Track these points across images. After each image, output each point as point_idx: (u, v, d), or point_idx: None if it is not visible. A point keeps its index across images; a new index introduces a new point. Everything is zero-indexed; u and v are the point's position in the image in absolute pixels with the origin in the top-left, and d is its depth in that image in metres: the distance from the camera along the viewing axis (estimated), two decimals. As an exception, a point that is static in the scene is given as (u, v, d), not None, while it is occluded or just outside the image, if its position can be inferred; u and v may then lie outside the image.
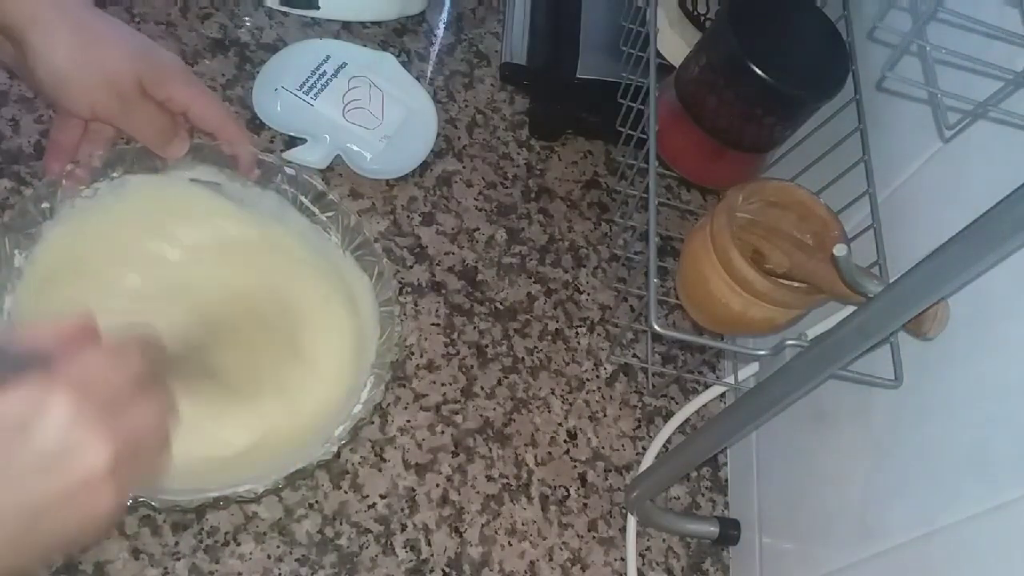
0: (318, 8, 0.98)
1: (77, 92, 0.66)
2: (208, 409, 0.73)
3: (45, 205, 0.71)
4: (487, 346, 0.88)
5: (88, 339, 0.47)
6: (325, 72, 0.93)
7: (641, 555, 0.83)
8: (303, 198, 0.79)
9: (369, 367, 0.74)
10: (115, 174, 0.74)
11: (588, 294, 0.95)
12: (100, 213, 0.74)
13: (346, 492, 0.77)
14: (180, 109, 0.71)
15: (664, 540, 0.85)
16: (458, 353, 0.87)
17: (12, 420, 0.41)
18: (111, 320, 0.73)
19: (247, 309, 0.78)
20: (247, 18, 0.97)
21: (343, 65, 0.95)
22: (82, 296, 0.73)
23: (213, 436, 0.72)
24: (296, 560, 0.73)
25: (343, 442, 0.69)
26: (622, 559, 0.83)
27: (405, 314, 0.86)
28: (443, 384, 0.85)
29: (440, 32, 1.07)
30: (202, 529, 0.72)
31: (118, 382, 0.46)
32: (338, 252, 0.80)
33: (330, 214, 0.79)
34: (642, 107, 0.88)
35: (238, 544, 0.72)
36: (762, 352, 0.71)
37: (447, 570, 0.77)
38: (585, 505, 0.84)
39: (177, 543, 0.71)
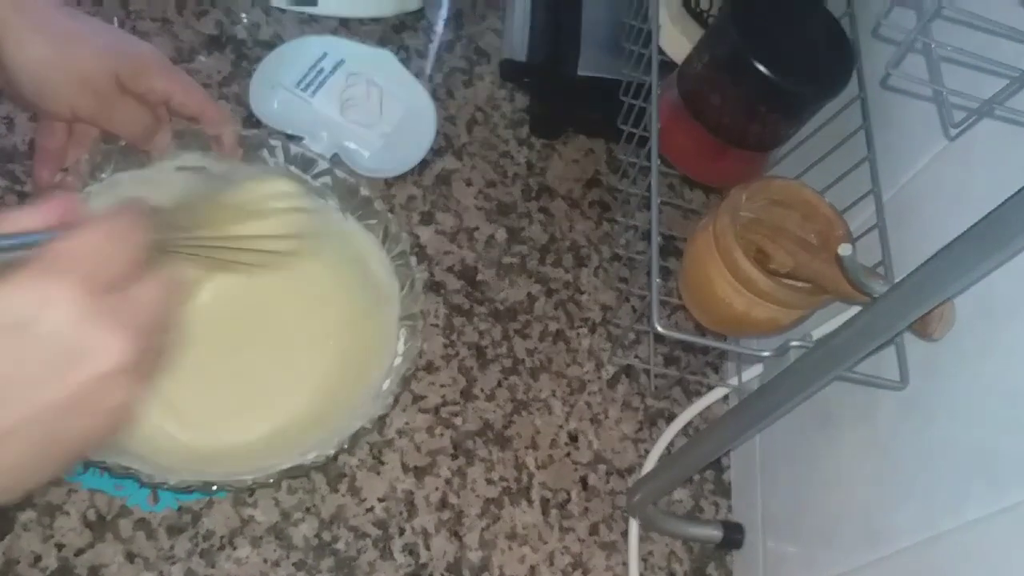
0: (315, 5, 0.98)
1: (55, 95, 0.65)
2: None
3: None
4: (487, 347, 0.88)
5: (75, 217, 0.44)
6: (323, 69, 0.93)
7: (643, 560, 0.83)
8: (293, 167, 0.79)
9: (396, 321, 0.75)
10: (104, 175, 0.73)
11: (589, 294, 0.95)
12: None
13: (343, 495, 0.76)
14: (161, 99, 0.70)
15: (667, 544, 0.84)
16: (457, 354, 0.86)
17: (15, 319, 0.39)
18: None
19: (254, 292, 0.78)
20: (244, 15, 0.97)
21: (341, 62, 0.94)
22: None
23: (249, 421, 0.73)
24: (293, 564, 0.73)
25: (396, 394, 0.70)
26: (624, 564, 0.82)
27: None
28: (442, 386, 0.84)
29: (439, 29, 1.06)
30: (197, 532, 0.71)
31: (118, 262, 0.42)
32: (338, 216, 0.79)
33: (324, 179, 0.78)
34: (644, 105, 0.87)
35: (234, 548, 0.72)
36: (766, 353, 0.70)
37: (446, 575, 0.76)
38: (586, 509, 0.83)
39: (172, 547, 0.71)
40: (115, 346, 0.41)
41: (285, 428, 0.73)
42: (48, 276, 0.39)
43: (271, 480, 0.65)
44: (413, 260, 0.76)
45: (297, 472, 0.67)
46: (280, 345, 0.77)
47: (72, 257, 0.41)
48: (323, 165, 0.78)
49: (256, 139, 0.77)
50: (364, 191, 0.78)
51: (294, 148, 0.78)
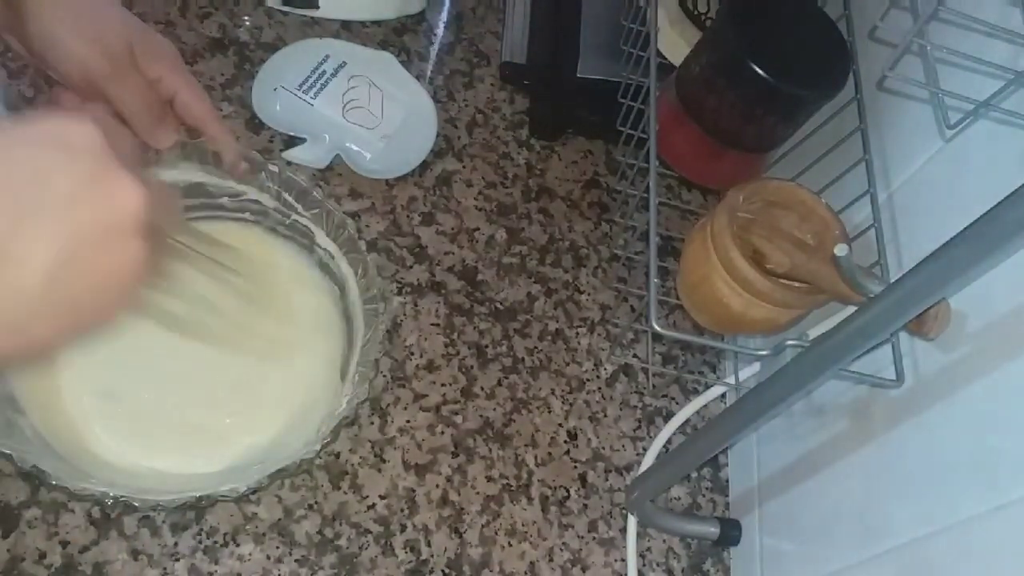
0: (318, 7, 0.98)
1: (68, 50, 0.64)
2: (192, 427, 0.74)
3: None
4: (487, 346, 0.88)
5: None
6: (325, 71, 0.93)
7: (641, 556, 0.83)
8: (287, 195, 0.79)
9: (354, 365, 0.74)
10: None
11: (588, 294, 0.95)
12: None
13: (346, 493, 0.77)
14: (168, 93, 0.70)
15: (665, 541, 0.84)
16: (458, 353, 0.87)
17: (54, 136, 0.38)
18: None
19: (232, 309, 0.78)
20: (246, 17, 0.97)
21: (343, 64, 0.95)
22: None
23: (198, 456, 0.73)
24: (296, 561, 0.73)
25: (326, 441, 0.68)
26: (622, 560, 0.82)
27: (405, 314, 0.86)
28: (443, 384, 0.85)
29: (440, 31, 1.06)
30: (201, 530, 0.72)
31: (128, 146, 0.42)
32: (322, 251, 0.80)
33: (315, 211, 0.78)
34: (642, 107, 0.88)
35: (237, 545, 0.72)
36: (763, 352, 0.71)
37: (447, 571, 0.77)
38: (585, 506, 0.84)
39: (176, 544, 0.71)
40: (134, 195, 0.40)
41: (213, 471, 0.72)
42: (80, 116, 0.40)
43: (175, 504, 0.64)
44: (381, 307, 0.75)
45: (206, 500, 0.68)
46: (238, 378, 0.76)
47: (93, 117, 0.40)
48: (316, 195, 0.78)
49: (255, 163, 0.77)
50: (351, 230, 0.77)
51: (289, 175, 0.78)
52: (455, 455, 0.82)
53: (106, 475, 0.67)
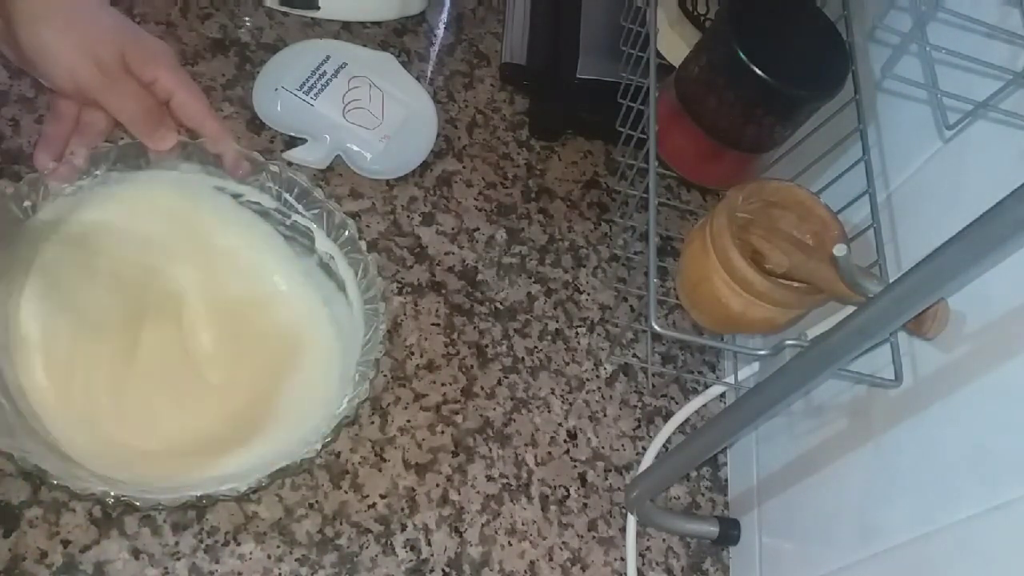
0: (318, 8, 0.98)
1: (57, 60, 0.64)
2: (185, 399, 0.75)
3: (27, 204, 0.70)
4: (487, 346, 0.88)
5: None
6: (325, 72, 0.94)
7: (641, 555, 0.83)
8: (287, 195, 0.79)
9: (354, 364, 0.74)
10: (98, 172, 0.74)
11: (588, 294, 0.95)
12: (82, 211, 0.74)
13: (346, 492, 0.77)
14: (164, 95, 0.70)
15: (664, 540, 0.84)
16: (458, 353, 0.87)
17: None
18: (95, 314, 0.74)
19: (230, 314, 0.79)
20: (247, 18, 0.97)
21: (343, 65, 0.95)
22: (65, 293, 0.74)
23: (192, 428, 0.73)
24: (296, 560, 0.73)
25: (326, 440, 0.68)
26: (622, 559, 0.82)
27: (405, 314, 0.87)
28: (443, 384, 0.85)
29: (440, 32, 1.07)
30: (202, 529, 0.72)
31: None
32: (323, 252, 0.80)
33: (315, 211, 0.79)
34: (642, 107, 0.88)
35: (238, 544, 0.72)
36: (762, 352, 0.71)
37: (447, 570, 0.77)
38: (585, 505, 0.84)
39: (177, 543, 0.71)
40: None
41: (211, 453, 0.73)
42: None
43: (176, 504, 0.64)
44: (382, 307, 0.75)
45: (207, 500, 0.68)
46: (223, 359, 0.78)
47: None
48: (317, 195, 0.78)
49: (256, 164, 0.77)
50: (350, 230, 0.77)
51: (290, 175, 0.78)
52: (455, 454, 0.82)
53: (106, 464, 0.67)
